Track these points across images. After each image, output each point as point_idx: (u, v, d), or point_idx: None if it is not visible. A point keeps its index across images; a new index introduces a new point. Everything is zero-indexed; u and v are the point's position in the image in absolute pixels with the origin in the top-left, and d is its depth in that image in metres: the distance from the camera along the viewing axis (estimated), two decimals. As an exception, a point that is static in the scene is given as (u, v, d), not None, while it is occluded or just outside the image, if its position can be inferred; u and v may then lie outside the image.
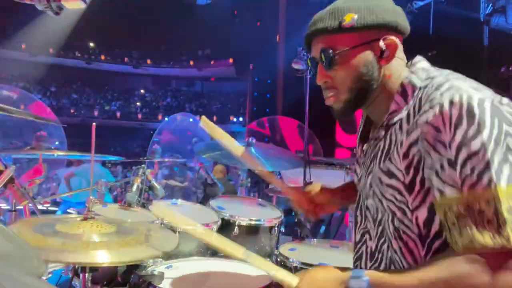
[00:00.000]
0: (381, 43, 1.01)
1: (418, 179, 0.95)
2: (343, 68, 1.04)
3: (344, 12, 1.01)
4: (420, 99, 0.96)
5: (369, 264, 1.15)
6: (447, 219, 0.88)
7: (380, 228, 1.09)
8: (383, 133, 1.05)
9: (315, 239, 2.38)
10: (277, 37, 15.93)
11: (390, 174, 1.00)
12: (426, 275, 0.89)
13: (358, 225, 1.20)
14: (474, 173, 0.84)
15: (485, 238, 0.82)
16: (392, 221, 1.02)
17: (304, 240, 2.32)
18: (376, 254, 1.12)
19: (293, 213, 2.80)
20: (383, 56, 1.03)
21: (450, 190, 0.87)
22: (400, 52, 1.06)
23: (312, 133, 8.19)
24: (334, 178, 4.15)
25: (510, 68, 6.20)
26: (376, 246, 1.11)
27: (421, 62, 1.07)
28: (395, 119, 1.02)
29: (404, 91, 1.03)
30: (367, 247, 1.16)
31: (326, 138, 9.28)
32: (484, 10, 6.94)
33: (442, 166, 0.88)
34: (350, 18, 1.00)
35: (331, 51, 1.03)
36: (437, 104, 0.90)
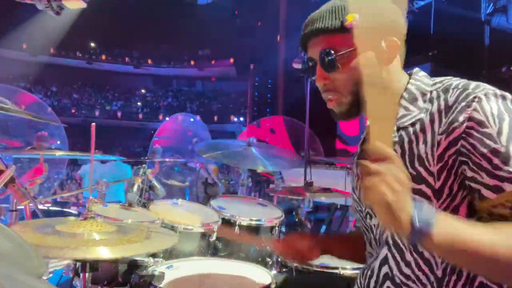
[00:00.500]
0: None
1: (448, 183, 0.92)
2: (344, 70, 1.01)
3: (345, 12, 0.98)
4: (445, 100, 0.94)
5: (363, 282, 1.13)
6: (505, 206, 0.84)
7: (381, 248, 1.06)
8: (395, 137, 1.02)
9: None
10: (278, 37, 15.93)
11: (420, 179, 0.95)
12: (501, 237, 0.79)
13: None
14: None
15: None
16: None
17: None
18: (367, 272, 1.10)
19: (294, 213, 2.80)
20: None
21: (509, 184, 0.84)
22: (398, 54, 1.05)
23: (313, 133, 8.18)
24: (335, 178, 4.15)
25: (511, 68, 6.19)
26: (369, 265, 1.11)
27: (421, 72, 1.07)
28: (408, 122, 1.00)
29: (411, 96, 1.01)
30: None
31: (327, 138, 9.27)
32: (485, 9, 6.93)
33: (494, 161, 0.85)
34: (352, 18, 0.96)
35: (332, 52, 1.00)
36: (473, 99, 0.89)
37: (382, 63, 1.01)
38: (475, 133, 0.87)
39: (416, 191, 0.94)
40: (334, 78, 1.03)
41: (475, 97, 0.89)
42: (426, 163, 0.94)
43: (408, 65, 1.10)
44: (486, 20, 6.86)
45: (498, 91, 0.91)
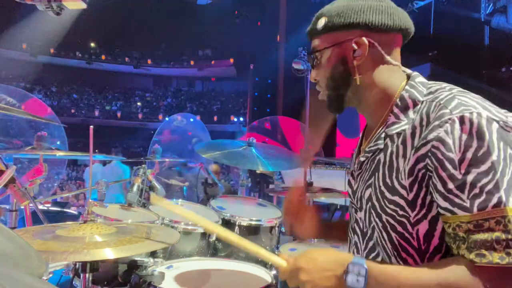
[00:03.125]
0: (353, 43, 1.02)
1: (421, 195, 0.94)
2: (320, 68, 1.11)
3: (320, 16, 1.08)
4: (427, 114, 0.94)
5: None
6: (456, 233, 0.88)
7: (370, 242, 1.07)
8: (381, 144, 1.03)
9: (315, 239, 2.38)
10: (278, 37, 15.95)
11: (394, 191, 0.98)
12: (425, 275, 0.88)
13: (350, 241, 1.20)
14: (483, 193, 0.84)
15: (494, 257, 0.83)
16: (390, 237, 1.00)
17: (305, 240, 2.32)
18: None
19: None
20: (355, 56, 1.03)
21: (458, 210, 0.86)
22: (387, 53, 1.03)
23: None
24: (334, 178, 4.15)
25: (511, 68, 6.20)
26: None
27: (419, 77, 1.06)
28: (394, 131, 1.01)
29: (404, 104, 1.01)
30: None
31: (326, 138, 9.26)
32: (485, 10, 6.95)
33: (449, 185, 0.87)
34: (321, 22, 1.07)
35: (311, 52, 1.11)
36: (447, 120, 0.89)
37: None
38: (439, 155, 0.89)
39: (391, 201, 0.98)
40: (317, 75, 1.13)
41: (449, 119, 0.89)
42: (401, 176, 0.97)
43: (408, 65, 1.10)
44: (486, 20, 6.88)
45: (476, 114, 0.87)
